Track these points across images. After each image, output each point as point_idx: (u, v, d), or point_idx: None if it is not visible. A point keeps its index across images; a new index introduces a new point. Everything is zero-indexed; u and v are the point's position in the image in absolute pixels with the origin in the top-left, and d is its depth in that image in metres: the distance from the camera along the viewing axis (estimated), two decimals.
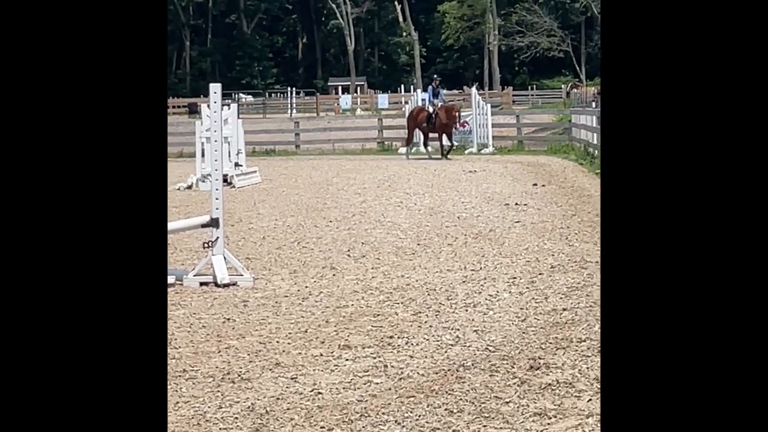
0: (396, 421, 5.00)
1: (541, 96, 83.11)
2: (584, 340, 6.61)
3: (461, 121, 30.96)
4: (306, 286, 9.11)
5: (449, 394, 5.48)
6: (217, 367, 6.22)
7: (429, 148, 29.85)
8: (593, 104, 52.54)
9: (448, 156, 28.83)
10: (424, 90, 36.38)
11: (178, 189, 20.99)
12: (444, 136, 29.26)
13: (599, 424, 4.89)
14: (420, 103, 34.65)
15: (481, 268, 9.77)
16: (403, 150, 33.52)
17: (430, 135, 29.88)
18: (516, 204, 15.56)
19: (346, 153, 34.52)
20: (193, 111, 56.12)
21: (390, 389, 5.65)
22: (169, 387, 5.76)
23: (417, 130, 30.31)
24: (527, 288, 8.68)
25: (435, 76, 33.61)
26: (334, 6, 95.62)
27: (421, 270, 9.80)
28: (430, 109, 29.41)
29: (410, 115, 31.28)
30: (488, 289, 8.67)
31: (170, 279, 9.24)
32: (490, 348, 6.55)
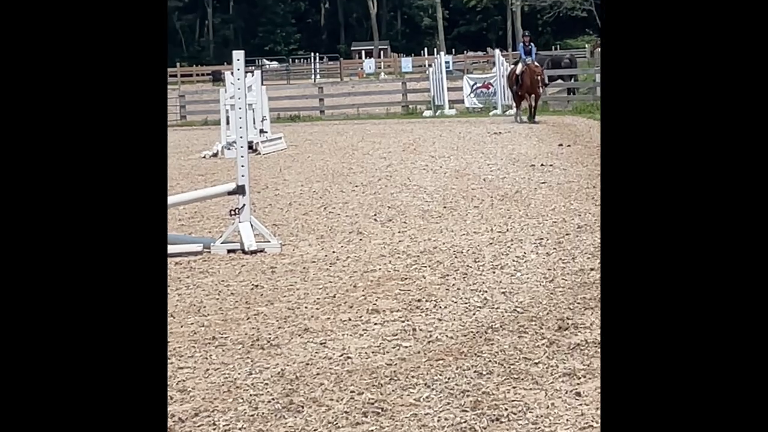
0: (426, 384, 5.01)
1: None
2: None
3: (486, 83, 30.30)
4: (333, 251, 9.12)
5: (478, 356, 5.49)
6: (246, 334, 6.25)
7: (518, 111, 27.85)
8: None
9: (536, 119, 26.71)
10: (448, 52, 35.60)
11: (204, 157, 21.05)
12: (532, 97, 27.10)
13: None
14: (442, 67, 34.38)
15: (507, 230, 9.76)
16: (428, 113, 33.41)
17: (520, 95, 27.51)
18: (542, 165, 15.50)
19: (371, 117, 34.42)
20: (217, 79, 56.16)
21: (419, 352, 5.66)
22: (199, 354, 5.81)
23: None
24: (554, 249, 8.66)
25: (525, 32, 31.25)
26: None
27: (448, 233, 9.80)
28: (518, 69, 27.43)
29: (507, 77, 29.50)
30: (515, 251, 8.66)
31: (198, 247, 9.28)
32: (519, 309, 6.55)
